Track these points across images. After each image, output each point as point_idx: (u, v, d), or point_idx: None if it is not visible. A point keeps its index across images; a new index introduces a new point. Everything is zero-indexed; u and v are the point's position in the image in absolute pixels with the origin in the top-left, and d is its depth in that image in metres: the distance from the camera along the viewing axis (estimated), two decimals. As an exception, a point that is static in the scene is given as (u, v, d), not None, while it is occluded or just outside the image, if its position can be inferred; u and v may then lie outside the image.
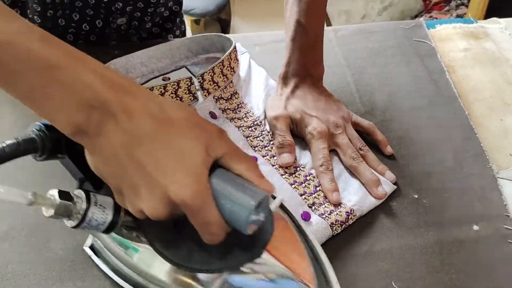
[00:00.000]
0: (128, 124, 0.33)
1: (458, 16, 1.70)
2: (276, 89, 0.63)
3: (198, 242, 0.37)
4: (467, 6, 1.72)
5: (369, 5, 1.93)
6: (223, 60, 0.60)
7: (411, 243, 0.51)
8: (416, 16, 1.87)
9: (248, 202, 0.34)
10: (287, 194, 0.52)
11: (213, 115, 0.59)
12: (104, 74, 0.33)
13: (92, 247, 0.49)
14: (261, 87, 0.64)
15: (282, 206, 0.45)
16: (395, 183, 0.55)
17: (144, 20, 0.73)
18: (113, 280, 0.46)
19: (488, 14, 1.54)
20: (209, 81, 0.59)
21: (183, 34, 0.82)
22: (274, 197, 0.38)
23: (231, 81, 0.62)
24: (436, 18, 1.74)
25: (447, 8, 1.76)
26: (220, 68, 0.60)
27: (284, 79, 0.63)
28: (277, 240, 0.39)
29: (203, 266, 0.39)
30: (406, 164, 0.58)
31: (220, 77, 0.60)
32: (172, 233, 0.40)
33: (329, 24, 1.92)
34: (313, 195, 0.53)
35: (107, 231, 0.39)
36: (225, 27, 1.71)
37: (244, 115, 0.61)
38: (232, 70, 0.62)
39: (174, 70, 0.65)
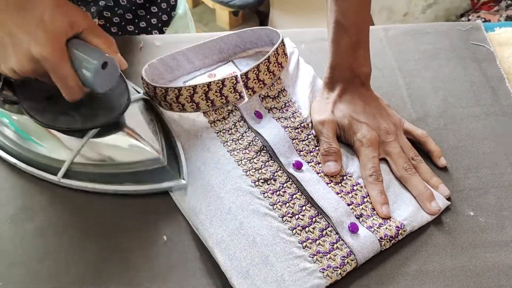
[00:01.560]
0: None
1: (508, 17, 1.62)
2: (321, 92, 0.60)
3: (64, 110, 0.49)
4: (518, 7, 1.64)
5: (412, 2, 1.86)
6: (269, 56, 0.57)
7: (466, 265, 0.47)
8: (462, 16, 1.79)
9: (94, 59, 0.44)
10: (333, 203, 0.49)
11: (258, 115, 0.56)
12: None
13: None
14: (308, 86, 0.61)
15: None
16: (448, 199, 0.52)
17: None
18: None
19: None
20: (254, 79, 0.56)
21: (171, 8, 0.80)
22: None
23: (279, 77, 0.60)
24: (484, 18, 1.67)
25: (496, 8, 1.68)
26: (266, 65, 0.57)
27: (330, 84, 0.59)
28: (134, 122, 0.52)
29: (66, 126, 0.49)
30: (461, 177, 0.54)
31: (266, 75, 0.57)
32: (45, 103, 0.50)
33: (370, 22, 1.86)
34: (361, 206, 0.50)
35: None
36: (263, 19, 1.68)
37: (291, 115, 0.57)
38: (279, 65, 0.59)
39: (221, 66, 0.63)
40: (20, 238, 0.49)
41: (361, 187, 0.52)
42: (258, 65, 0.56)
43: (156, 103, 0.56)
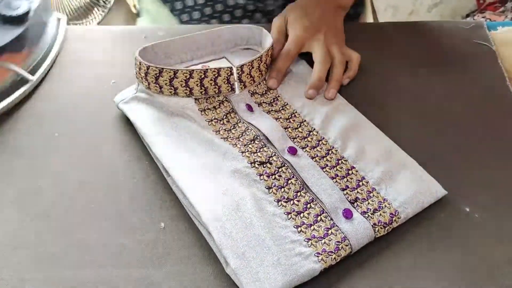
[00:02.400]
0: None
1: (513, 18, 1.62)
2: None
3: None
4: (524, 8, 1.63)
5: (418, 0, 1.86)
6: (261, 55, 0.59)
7: (459, 260, 0.47)
8: (467, 16, 1.79)
9: None
10: (327, 189, 0.50)
11: (249, 108, 0.57)
12: None
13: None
14: (301, 79, 0.63)
15: None
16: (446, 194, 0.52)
17: None
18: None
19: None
20: (247, 74, 0.58)
21: None
22: None
23: (265, 78, 0.61)
24: (490, 19, 1.66)
25: (502, 9, 1.68)
26: (258, 63, 0.59)
27: None
28: None
29: None
30: (459, 175, 0.55)
31: (256, 72, 0.59)
32: None
33: (375, 19, 1.85)
34: (356, 190, 0.51)
35: None
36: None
37: (281, 108, 0.59)
38: (266, 67, 0.61)
39: (214, 60, 0.64)
40: (21, 221, 0.50)
41: (357, 171, 0.52)
42: (253, 61, 0.58)
43: (145, 85, 0.56)
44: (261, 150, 0.53)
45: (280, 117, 0.57)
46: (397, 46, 0.70)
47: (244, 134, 0.55)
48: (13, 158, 0.55)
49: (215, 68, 0.55)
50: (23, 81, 0.58)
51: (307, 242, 0.46)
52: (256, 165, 0.51)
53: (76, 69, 0.66)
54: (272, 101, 0.59)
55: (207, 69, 0.54)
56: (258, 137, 0.54)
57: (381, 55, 0.68)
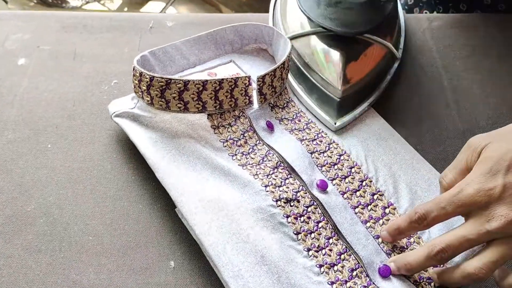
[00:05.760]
0: None
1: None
2: None
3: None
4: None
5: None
6: (284, 61, 0.50)
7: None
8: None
9: None
10: (361, 239, 0.43)
11: (270, 126, 0.49)
12: None
13: None
14: None
15: None
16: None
17: None
18: None
19: None
20: (269, 84, 0.49)
21: None
22: None
23: (286, 87, 0.53)
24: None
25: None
26: (281, 71, 0.50)
27: None
28: None
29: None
30: None
31: (278, 81, 0.50)
32: None
33: None
34: None
35: None
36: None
37: (305, 126, 0.51)
38: (287, 73, 0.52)
39: (220, 65, 0.55)
40: (7, 256, 0.42)
41: (394, 209, 0.45)
42: (275, 69, 0.49)
43: (146, 101, 0.46)
44: (286, 182, 0.45)
45: (305, 138, 0.49)
46: (441, 45, 0.61)
47: (265, 159, 0.46)
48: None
49: (231, 78, 0.46)
50: (393, 59, 0.57)
51: None
52: (282, 203, 0.43)
53: (72, 65, 0.57)
54: (294, 116, 0.51)
55: (222, 79, 0.46)
56: (282, 164, 0.46)
57: (423, 55, 0.60)
